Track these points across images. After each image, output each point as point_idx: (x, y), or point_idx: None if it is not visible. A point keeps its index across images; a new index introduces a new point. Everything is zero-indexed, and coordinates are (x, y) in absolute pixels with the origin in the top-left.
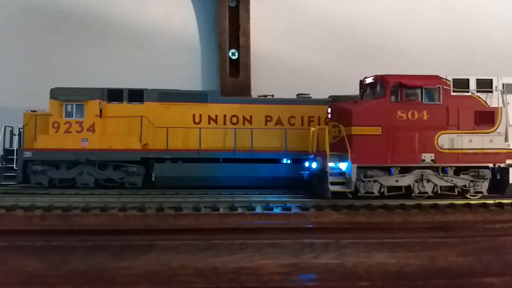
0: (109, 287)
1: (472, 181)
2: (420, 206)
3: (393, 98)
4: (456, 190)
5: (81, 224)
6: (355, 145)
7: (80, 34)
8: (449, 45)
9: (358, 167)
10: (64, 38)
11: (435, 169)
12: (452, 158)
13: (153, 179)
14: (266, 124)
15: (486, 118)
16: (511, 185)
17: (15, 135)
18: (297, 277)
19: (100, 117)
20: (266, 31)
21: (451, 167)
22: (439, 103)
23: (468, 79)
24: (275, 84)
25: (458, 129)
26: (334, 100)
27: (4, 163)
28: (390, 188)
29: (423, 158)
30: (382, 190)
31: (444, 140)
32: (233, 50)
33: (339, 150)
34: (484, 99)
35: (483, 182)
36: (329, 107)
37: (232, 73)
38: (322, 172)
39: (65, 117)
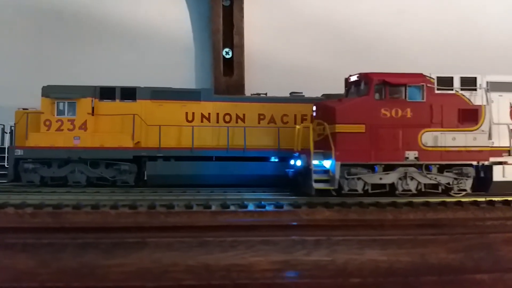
0: (100, 284)
1: (455, 178)
2: (412, 203)
3: (377, 96)
4: (440, 188)
5: (72, 221)
6: (339, 143)
7: (74, 32)
8: (443, 45)
9: (341, 165)
10: (57, 36)
11: (419, 167)
12: (436, 156)
13: (145, 177)
14: (259, 123)
15: (470, 116)
16: (495, 183)
17: (6, 133)
18: (283, 274)
19: (92, 115)
20: (260, 30)
21: (434, 164)
22: (422, 101)
23: (452, 77)
24: (269, 83)
25: (442, 127)
26: (327, 99)
27: None
28: (374, 186)
29: (406, 155)
30: (366, 188)
31: (428, 137)
32: (227, 49)
33: (324, 148)
34: (468, 97)
35: (466, 180)
36: (314, 105)
37: (226, 72)
38: (306, 170)
39: (57, 115)
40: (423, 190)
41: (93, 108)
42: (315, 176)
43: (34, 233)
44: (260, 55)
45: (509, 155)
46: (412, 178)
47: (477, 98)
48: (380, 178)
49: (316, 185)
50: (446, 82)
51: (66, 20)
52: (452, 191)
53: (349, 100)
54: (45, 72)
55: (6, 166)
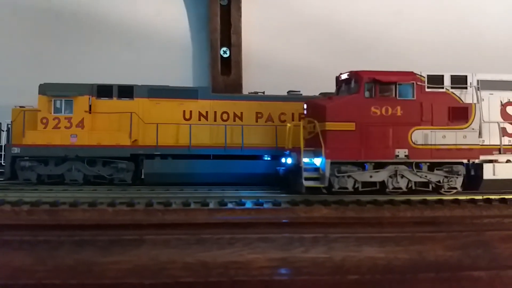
0: (97, 281)
1: (446, 177)
2: (409, 201)
3: (367, 94)
4: (430, 186)
5: (69, 219)
6: (329, 141)
7: (71, 31)
8: (442, 45)
9: (332, 163)
10: (55, 35)
11: (409, 165)
12: (426, 154)
13: (142, 175)
14: (256, 121)
15: (460, 114)
16: (485, 181)
17: (3, 131)
18: (281, 271)
19: (90, 113)
20: (258, 30)
21: (425, 162)
22: (413, 99)
23: (443, 76)
24: (266, 82)
25: (432, 125)
26: None
27: None
28: (365, 184)
29: (396, 153)
30: (356, 186)
31: (418, 135)
32: (224, 48)
33: (314, 145)
34: (458, 95)
35: (457, 178)
36: (305, 103)
37: (223, 71)
38: (297, 168)
39: (54, 112)
40: (413, 188)
41: (90, 106)
42: (305, 174)
43: (30, 231)
44: (258, 54)
45: (500, 153)
46: (402, 176)
47: (467, 96)
48: (370, 176)
49: (306, 183)
50: (436, 80)
51: (64, 20)
52: (443, 189)
53: (340, 98)
54: (42, 71)
55: (2, 164)
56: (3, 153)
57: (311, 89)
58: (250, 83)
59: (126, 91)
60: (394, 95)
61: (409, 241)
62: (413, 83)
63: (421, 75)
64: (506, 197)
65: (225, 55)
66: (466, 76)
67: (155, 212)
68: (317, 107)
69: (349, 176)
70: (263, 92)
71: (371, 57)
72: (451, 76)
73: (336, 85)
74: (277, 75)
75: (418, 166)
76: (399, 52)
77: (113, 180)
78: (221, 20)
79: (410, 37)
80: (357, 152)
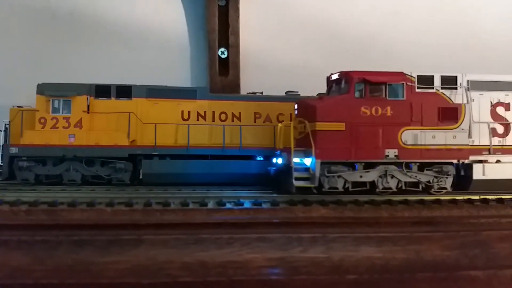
0: (95, 281)
1: (436, 177)
2: (407, 201)
3: (357, 94)
4: (420, 186)
5: (68, 219)
6: (319, 141)
7: (69, 31)
8: (439, 46)
9: (322, 163)
10: (53, 35)
11: (399, 165)
12: (416, 154)
13: (140, 175)
14: (255, 121)
15: (450, 115)
16: (475, 181)
17: (1, 130)
18: (279, 271)
19: (88, 113)
20: (255, 30)
21: (415, 163)
22: (403, 99)
23: (433, 76)
24: (264, 83)
25: (422, 125)
26: None
27: None
28: (355, 184)
29: (386, 153)
30: (346, 186)
31: (408, 136)
32: (222, 49)
33: (305, 145)
34: (448, 95)
35: (447, 178)
36: (296, 103)
37: (221, 72)
38: (287, 168)
39: (52, 112)
40: (403, 188)
41: (88, 106)
42: (295, 174)
43: (29, 230)
44: (256, 55)
45: (490, 153)
46: (392, 176)
47: (457, 96)
48: (361, 176)
49: (297, 183)
50: (426, 80)
51: (62, 19)
52: (433, 189)
53: (330, 98)
54: (40, 71)
55: (0, 164)
56: (1, 153)
57: (309, 90)
58: (248, 83)
59: (124, 91)
60: (384, 95)
61: (406, 241)
62: (403, 83)
63: (411, 76)
64: (504, 197)
65: (223, 56)
66: (456, 76)
67: (154, 212)
68: (307, 107)
69: (339, 176)
70: (261, 93)
71: (369, 57)
72: (441, 76)
73: (327, 85)
74: (275, 76)
75: (408, 166)
76: (396, 52)
77: (111, 180)
78: (219, 20)
79: (407, 37)
80: (347, 152)
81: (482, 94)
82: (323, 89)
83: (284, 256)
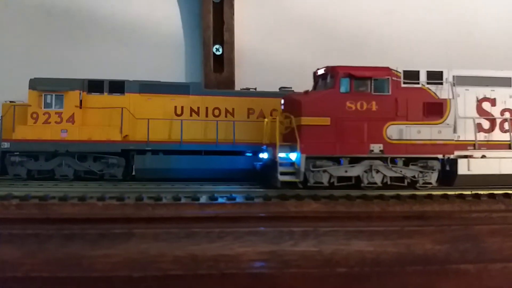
0: (86, 274)
1: (421, 172)
2: (399, 196)
3: (342, 89)
4: (405, 181)
5: (59, 213)
6: (304, 136)
7: (63, 28)
8: (432, 45)
9: (307, 157)
10: (47, 31)
11: (384, 160)
12: (401, 149)
13: (133, 171)
14: (248, 117)
15: (435, 110)
16: (460, 176)
17: None
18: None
19: (80, 108)
20: (250, 27)
21: (400, 157)
22: (388, 94)
23: (419, 71)
24: (259, 80)
25: (407, 120)
26: None
27: None
28: (340, 178)
29: (371, 148)
30: (332, 180)
31: (393, 130)
32: (217, 46)
33: (291, 140)
34: (434, 90)
35: (432, 173)
36: (282, 98)
37: (216, 69)
38: (273, 162)
39: (44, 107)
40: (388, 183)
41: (81, 101)
42: (281, 169)
43: (20, 224)
44: (251, 52)
45: (475, 148)
46: (377, 171)
47: (443, 92)
48: (346, 171)
49: (282, 178)
50: (412, 75)
51: (56, 16)
52: (418, 184)
53: (315, 93)
54: (34, 68)
55: None
56: None
57: (303, 87)
58: (243, 80)
59: (117, 87)
60: (369, 90)
61: (397, 235)
62: (389, 78)
63: (397, 71)
64: (495, 192)
65: (217, 53)
66: (441, 72)
67: (145, 207)
68: (293, 102)
69: (324, 171)
70: (255, 88)
71: (363, 55)
72: (427, 71)
73: (314, 80)
74: (270, 73)
75: (393, 161)
76: (391, 51)
77: (103, 175)
78: (214, 17)
79: (402, 36)
80: (332, 147)
81: (468, 90)
82: None
83: (275, 250)
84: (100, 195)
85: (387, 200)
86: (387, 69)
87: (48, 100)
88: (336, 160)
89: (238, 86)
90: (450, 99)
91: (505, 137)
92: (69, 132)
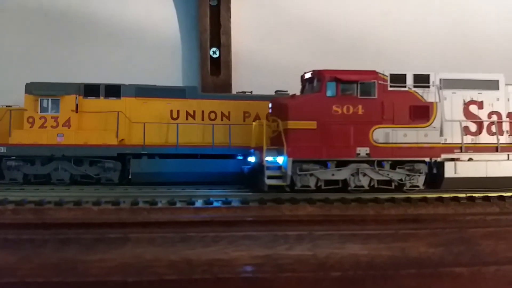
0: (81, 279)
1: (408, 175)
2: (393, 199)
3: (329, 92)
4: (393, 184)
5: (54, 217)
6: (291, 139)
7: (61, 31)
8: (429, 46)
9: (293, 161)
10: (44, 35)
11: (371, 163)
12: (387, 152)
13: (129, 175)
14: (244, 120)
15: (421, 113)
16: (446, 179)
17: None
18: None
19: (76, 112)
20: (247, 30)
21: (387, 161)
22: (374, 97)
23: (405, 74)
24: (256, 83)
25: (393, 123)
26: None
27: None
28: (327, 182)
29: (358, 152)
30: (319, 184)
31: (379, 134)
32: (214, 49)
33: (278, 144)
34: (421, 94)
35: (419, 176)
36: (270, 102)
37: (213, 72)
38: (260, 166)
39: (40, 112)
40: (375, 186)
41: (77, 105)
42: (268, 173)
43: (15, 229)
44: (247, 54)
45: (461, 151)
46: (364, 175)
47: (430, 95)
48: (333, 174)
49: (269, 181)
50: (399, 79)
51: (53, 19)
52: (405, 187)
53: (302, 97)
54: (31, 71)
55: None
56: None
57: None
58: (240, 83)
59: (113, 91)
60: (355, 94)
61: (392, 238)
62: (375, 82)
63: (383, 74)
64: (490, 195)
65: (214, 56)
66: (428, 75)
67: (141, 211)
68: (280, 106)
69: (311, 175)
70: (251, 92)
71: (360, 57)
72: (414, 75)
73: (301, 84)
74: (267, 75)
75: (380, 164)
76: (388, 53)
77: (100, 179)
78: (211, 20)
79: (399, 38)
80: (319, 150)
81: (455, 93)
82: None
83: (270, 254)
84: (95, 199)
85: (382, 203)
86: (373, 73)
87: (44, 105)
88: (323, 164)
89: (235, 89)
90: (436, 102)
91: (493, 140)
92: (65, 137)
